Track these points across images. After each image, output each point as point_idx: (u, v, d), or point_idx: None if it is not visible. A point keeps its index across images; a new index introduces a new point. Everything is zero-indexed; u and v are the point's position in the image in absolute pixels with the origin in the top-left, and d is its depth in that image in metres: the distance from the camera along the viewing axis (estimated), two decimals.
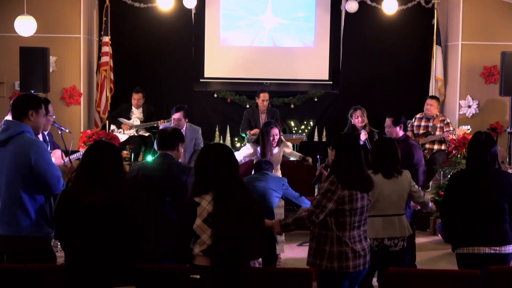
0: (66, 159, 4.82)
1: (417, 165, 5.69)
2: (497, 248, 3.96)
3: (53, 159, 5.62)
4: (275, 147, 6.31)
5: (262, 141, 6.24)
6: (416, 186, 4.55)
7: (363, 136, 7.14)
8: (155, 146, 7.23)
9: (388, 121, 5.94)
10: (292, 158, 6.95)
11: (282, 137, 6.55)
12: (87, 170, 3.22)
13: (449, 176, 7.86)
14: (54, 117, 4.94)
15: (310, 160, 6.59)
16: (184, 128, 7.12)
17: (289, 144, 6.59)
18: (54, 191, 3.91)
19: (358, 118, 7.31)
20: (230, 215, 3.19)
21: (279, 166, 6.44)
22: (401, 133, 5.89)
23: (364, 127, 7.27)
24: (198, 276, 3.21)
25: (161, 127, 8.58)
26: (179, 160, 4.37)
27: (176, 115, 7.02)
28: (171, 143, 4.24)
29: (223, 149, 3.36)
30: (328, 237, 3.66)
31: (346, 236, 3.65)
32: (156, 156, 4.35)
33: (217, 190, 3.23)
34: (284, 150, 6.50)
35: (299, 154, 6.66)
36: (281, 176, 6.24)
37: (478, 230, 3.97)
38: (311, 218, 3.66)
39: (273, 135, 6.26)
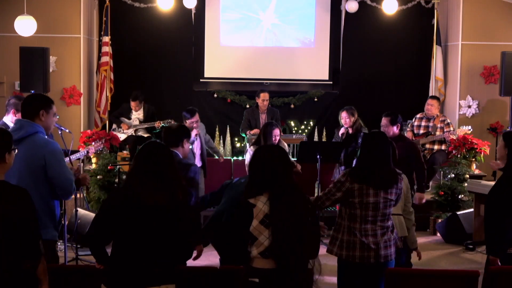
0: (66, 159, 4.81)
1: (416, 162, 5.72)
2: None
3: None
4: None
5: (264, 142, 6.23)
6: (411, 201, 4.58)
7: (342, 130, 7.30)
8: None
9: (384, 120, 5.95)
10: None
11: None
12: (146, 170, 3.20)
13: (449, 176, 7.86)
14: (57, 117, 4.94)
15: (299, 167, 6.53)
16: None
17: (286, 145, 6.56)
18: (65, 195, 3.91)
19: (342, 119, 7.30)
20: (287, 215, 3.20)
21: None
22: (397, 132, 5.90)
23: (352, 127, 7.21)
24: (257, 280, 3.21)
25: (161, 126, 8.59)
26: (187, 156, 4.37)
27: (195, 118, 6.96)
28: (175, 140, 4.25)
29: (278, 150, 3.39)
30: (341, 226, 3.85)
31: (357, 228, 3.77)
32: None
33: (272, 190, 3.23)
34: None
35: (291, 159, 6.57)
36: None
37: None
38: (317, 203, 3.86)
39: (275, 136, 6.26)
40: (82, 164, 7.09)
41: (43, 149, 3.78)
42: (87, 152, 7.09)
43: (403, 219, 4.44)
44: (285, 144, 6.69)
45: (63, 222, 6.06)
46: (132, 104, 8.71)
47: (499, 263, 3.96)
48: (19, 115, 5.36)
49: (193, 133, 7.02)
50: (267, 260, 3.20)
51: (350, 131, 7.28)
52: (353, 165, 4.01)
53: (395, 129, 5.88)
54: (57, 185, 3.81)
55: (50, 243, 3.89)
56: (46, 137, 3.93)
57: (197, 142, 7.08)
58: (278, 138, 6.33)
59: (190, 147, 7.05)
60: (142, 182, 3.16)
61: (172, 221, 3.17)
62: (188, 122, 6.93)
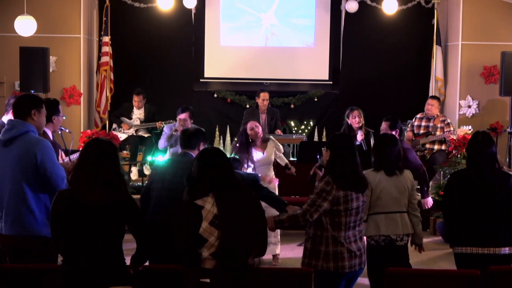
0: (66, 158, 4.82)
1: (415, 168, 5.68)
2: (492, 249, 3.96)
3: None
4: (259, 144, 6.00)
5: (239, 139, 6.05)
6: (416, 195, 4.58)
7: (360, 136, 7.11)
8: (160, 145, 7.28)
9: (384, 125, 5.94)
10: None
11: (272, 137, 6.39)
12: (85, 168, 3.22)
13: (448, 175, 7.87)
14: (64, 117, 4.95)
15: (293, 170, 6.20)
16: None
17: (281, 147, 6.39)
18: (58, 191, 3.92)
19: (355, 119, 7.27)
20: (236, 215, 3.20)
21: (271, 167, 6.27)
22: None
23: (360, 128, 7.24)
24: (208, 280, 3.20)
25: (165, 127, 8.59)
26: None
27: (182, 116, 6.99)
28: (191, 143, 4.26)
29: (215, 152, 3.42)
30: (323, 238, 3.67)
31: (342, 236, 3.66)
32: (178, 155, 4.39)
33: (216, 191, 3.23)
34: (275, 152, 6.27)
35: (286, 160, 6.32)
36: (274, 176, 6.14)
37: (474, 230, 3.97)
38: (305, 217, 3.67)
39: (252, 127, 5.92)
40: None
41: (34, 147, 3.81)
42: None
43: (407, 216, 4.41)
44: (281, 148, 6.42)
45: None
46: (136, 99, 8.70)
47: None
48: None
49: (175, 128, 7.02)
50: (218, 261, 3.20)
51: (360, 132, 7.16)
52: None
53: (394, 134, 5.84)
54: (48, 182, 3.84)
55: (49, 239, 3.88)
56: (37, 136, 3.95)
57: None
58: (257, 129, 5.94)
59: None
60: (81, 181, 3.17)
61: (116, 221, 3.17)
62: (177, 118, 7.03)
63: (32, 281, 3.53)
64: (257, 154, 5.97)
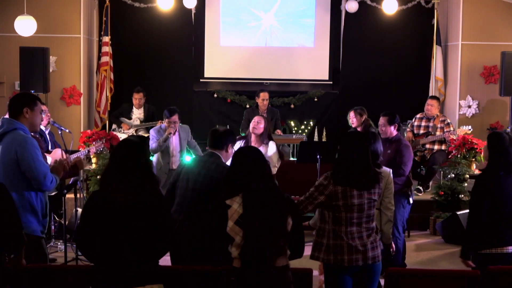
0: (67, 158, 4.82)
1: (403, 164, 5.67)
2: None
3: (49, 158, 5.63)
4: (255, 140, 6.19)
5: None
6: (392, 197, 4.58)
7: None
8: (153, 150, 7.26)
9: (382, 120, 5.93)
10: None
11: (272, 137, 6.46)
12: (116, 168, 3.21)
13: (449, 176, 7.87)
14: (43, 115, 4.93)
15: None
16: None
17: (274, 147, 6.44)
18: (41, 187, 3.93)
19: (350, 119, 7.40)
20: (261, 216, 3.21)
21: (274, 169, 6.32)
22: (395, 132, 5.88)
23: (360, 126, 7.28)
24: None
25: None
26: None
27: (174, 118, 6.99)
28: (219, 143, 4.26)
29: (251, 151, 3.45)
30: (325, 231, 3.73)
31: (342, 231, 3.68)
32: (205, 153, 4.39)
33: (245, 191, 3.24)
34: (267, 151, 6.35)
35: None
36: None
37: (504, 230, 3.98)
38: (299, 207, 3.72)
39: (255, 122, 6.23)
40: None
41: (16, 143, 3.84)
42: (88, 151, 7.10)
43: (377, 212, 4.39)
44: (273, 146, 6.49)
45: (62, 222, 6.07)
46: (136, 96, 8.70)
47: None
48: None
49: (168, 131, 7.02)
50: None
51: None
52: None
53: (392, 129, 5.86)
54: (30, 178, 3.86)
55: (35, 238, 3.89)
56: (25, 133, 3.95)
57: (174, 141, 7.04)
58: (260, 126, 6.24)
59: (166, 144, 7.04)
60: (113, 182, 3.18)
61: (147, 220, 3.16)
62: (166, 121, 6.97)
63: (32, 281, 3.53)
64: None
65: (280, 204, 3.32)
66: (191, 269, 3.62)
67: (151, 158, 7.07)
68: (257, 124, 6.35)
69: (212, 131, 4.37)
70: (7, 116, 5.66)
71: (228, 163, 3.83)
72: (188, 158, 6.74)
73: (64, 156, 4.84)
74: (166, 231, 3.24)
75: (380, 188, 3.83)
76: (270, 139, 6.48)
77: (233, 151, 4.27)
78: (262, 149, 6.12)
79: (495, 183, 4.00)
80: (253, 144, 6.15)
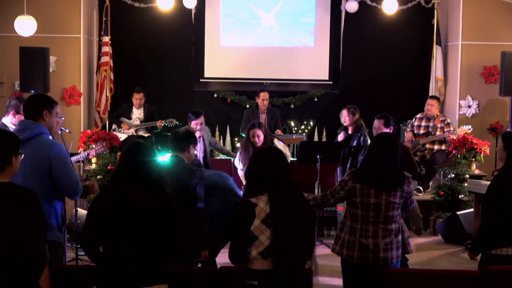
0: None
1: (414, 168, 5.69)
2: None
3: None
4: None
5: (249, 143, 6.19)
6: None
7: (340, 137, 7.35)
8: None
9: (377, 122, 5.95)
10: None
11: (277, 143, 6.44)
12: (131, 169, 3.22)
13: (449, 176, 7.87)
14: (63, 118, 4.92)
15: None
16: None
17: (281, 146, 6.44)
18: (72, 195, 3.90)
19: (342, 118, 7.44)
20: (287, 215, 3.22)
21: None
22: None
23: (352, 126, 7.32)
24: (255, 283, 3.21)
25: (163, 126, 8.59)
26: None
27: (199, 120, 7.01)
28: (181, 145, 4.26)
29: (275, 152, 3.47)
30: (345, 226, 3.87)
31: (358, 228, 3.78)
32: (169, 158, 4.32)
33: (272, 190, 3.26)
34: None
35: None
36: None
37: None
38: (323, 199, 3.93)
39: (256, 136, 6.20)
40: (82, 164, 7.09)
41: (48, 151, 3.77)
42: (88, 154, 7.10)
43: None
44: (281, 145, 6.54)
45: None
46: (136, 96, 8.69)
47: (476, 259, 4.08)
48: (18, 117, 5.35)
49: (196, 135, 7.04)
50: (267, 261, 3.20)
51: (350, 130, 7.32)
52: (348, 166, 4.06)
53: (387, 132, 5.85)
54: (63, 186, 3.80)
55: (55, 244, 3.86)
56: (50, 137, 3.92)
57: (200, 145, 7.09)
58: (261, 138, 6.24)
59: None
60: (127, 181, 3.18)
61: (159, 220, 3.17)
62: (192, 124, 7.00)
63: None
64: None
65: (305, 205, 3.35)
66: (199, 270, 3.61)
67: (162, 154, 7.13)
68: (258, 138, 6.32)
69: (173, 134, 4.37)
70: (6, 118, 5.67)
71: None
72: (160, 158, 6.72)
73: None
74: (174, 232, 3.26)
75: (404, 192, 3.84)
76: (271, 142, 6.46)
77: (194, 152, 4.34)
78: None
79: None
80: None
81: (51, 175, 3.77)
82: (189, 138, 4.34)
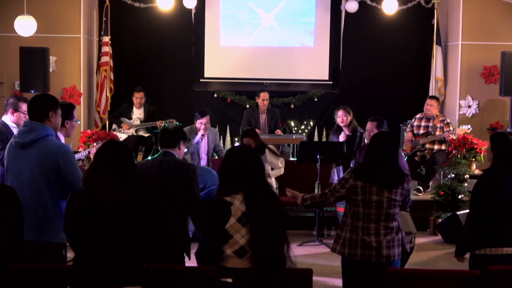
0: None
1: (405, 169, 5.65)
2: None
3: None
4: None
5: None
6: None
7: (341, 137, 7.30)
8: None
9: (370, 125, 5.93)
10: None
11: (268, 152, 6.40)
12: (103, 168, 3.20)
13: (449, 176, 7.87)
14: (78, 122, 4.90)
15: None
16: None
17: (277, 167, 6.42)
18: None
19: (339, 118, 7.43)
20: (264, 214, 3.22)
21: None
22: None
23: (348, 126, 7.32)
24: (230, 280, 3.20)
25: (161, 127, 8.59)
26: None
27: (204, 119, 7.06)
28: (171, 141, 4.23)
29: (249, 151, 3.46)
30: (345, 224, 3.85)
31: (359, 226, 3.77)
32: (157, 154, 4.32)
33: (247, 189, 3.25)
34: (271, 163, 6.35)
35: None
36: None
37: (506, 231, 3.96)
38: (322, 198, 3.92)
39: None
40: (82, 164, 7.09)
41: (55, 153, 3.75)
42: (88, 152, 7.10)
43: (407, 216, 4.44)
44: (271, 156, 6.48)
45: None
46: (137, 96, 8.70)
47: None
48: (17, 115, 5.34)
49: (199, 133, 7.08)
50: (242, 260, 3.20)
51: (347, 131, 7.31)
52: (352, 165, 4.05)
53: (386, 130, 5.82)
54: (70, 188, 3.75)
55: (61, 246, 3.86)
56: (55, 139, 3.91)
57: (204, 144, 7.10)
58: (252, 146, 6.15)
59: (196, 147, 7.08)
60: (99, 181, 3.16)
61: (133, 220, 3.16)
62: (197, 122, 7.09)
63: (34, 281, 3.53)
64: None
65: (279, 205, 3.34)
66: (173, 269, 3.59)
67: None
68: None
69: (163, 130, 4.35)
70: (5, 117, 5.67)
71: (199, 160, 3.81)
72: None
73: None
74: (154, 232, 3.25)
75: (404, 190, 3.86)
76: (262, 152, 6.37)
77: (184, 149, 4.32)
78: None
79: (499, 183, 3.98)
80: None
81: (59, 176, 3.76)
82: (179, 134, 4.31)
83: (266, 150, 6.41)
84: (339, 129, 7.49)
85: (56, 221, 3.77)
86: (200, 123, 7.03)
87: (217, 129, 7.58)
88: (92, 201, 3.13)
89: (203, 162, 7.07)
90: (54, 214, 3.75)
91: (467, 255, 4.12)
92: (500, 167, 4.04)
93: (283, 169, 6.58)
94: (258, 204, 3.24)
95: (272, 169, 6.57)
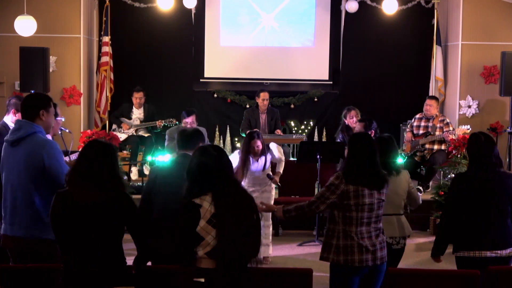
0: (66, 158, 4.81)
1: None
2: (499, 251, 3.93)
3: None
4: (257, 159, 6.08)
5: (242, 150, 6.14)
6: (412, 185, 4.56)
7: None
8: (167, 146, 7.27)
9: (359, 126, 5.88)
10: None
11: (271, 146, 6.38)
12: (82, 168, 3.22)
13: (449, 176, 7.88)
14: (63, 119, 4.90)
15: (277, 178, 6.24)
16: None
17: (276, 149, 6.37)
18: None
19: (353, 118, 7.40)
20: (233, 214, 3.20)
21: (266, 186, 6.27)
22: None
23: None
24: (202, 280, 3.20)
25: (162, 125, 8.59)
26: None
27: (189, 119, 7.03)
28: (190, 143, 4.17)
29: (215, 150, 3.37)
30: (335, 231, 3.71)
31: (353, 231, 3.68)
32: (176, 157, 4.27)
33: (215, 190, 3.22)
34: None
35: (279, 169, 6.39)
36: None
37: (481, 234, 3.94)
38: (311, 207, 3.73)
39: (256, 147, 6.00)
40: None
41: (41, 149, 3.78)
42: None
43: (404, 218, 4.40)
44: (276, 147, 6.44)
45: None
46: (136, 95, 8.70)
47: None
48: (19, 115, 5.36)
49: None
50: (213, 260, 3.19)
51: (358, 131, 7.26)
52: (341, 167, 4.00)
53: (362, 132, 5.81)
54: (58, 184, 3.79)
55: (50, 242, 3.87)
56: (44, 136, 3.93)
57: None
58: (259, 148, 6.03)
59: None
60: (75, 181, 3.18)
61: (114, 220, 3.16)
62: (183, 122, 7.03)
63: (32, 281, 3.53)
64: (253, 165, 6.07)
65: (250, 202, 3.32)
66: (159, 269, 3.59)
67: (162, 154, 7.10)
68: (258, 148, 6.06)
69: (181, 132, 4.29)
70: (7, 117, 5.67)
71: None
72: (161, 158, 6.67)
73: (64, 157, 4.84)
74: (134, 231, 3.26)
75: (387, 189, 3.84)
76: (268, 147, 6.34)
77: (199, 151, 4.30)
78: (263, 158, 6.12)
79: (473, 184, 3.98)
80: (254, 158, 6.09)
81: (45, 173, 3.78)
82: (198, 136, 4.26)
83: (270, 144, 6.38)
84: (349, 129, 7.47)
85: (46, 218, 3.77)
86: (186, 122, 7.01)
87: (205, 128, 7.50)
88: (72, 201, 3.15)
89: None
90: (43, 210, 3.76)
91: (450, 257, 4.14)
92: (474, 168, 4.04)
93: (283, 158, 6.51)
94: (228, 204, 3.20)
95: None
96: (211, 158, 3.29)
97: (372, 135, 5.82)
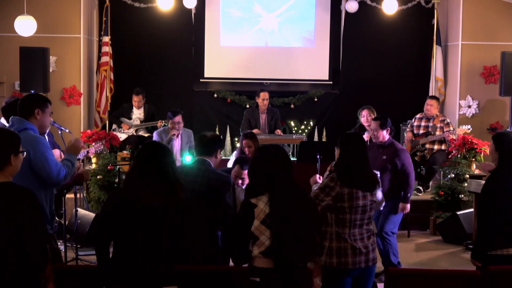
0: (57, 151, 4.84)
1: (405, 170, 5.61)
2: None
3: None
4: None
5: (238, 150, 6.14)
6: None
7: (366, 137, 7.14)
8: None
9: (374, 124, 5.87)
10: None
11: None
12: (146, 169, 3.20)
13: (449, 176, 7.88)
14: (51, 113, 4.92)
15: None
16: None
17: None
18: (55, 185, 4.02)
19: (363, 118, 7.42)
20: (287, 215, 3.21)
21: None
22: (387, 136, 5.79)
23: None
24: (257, 279, 3.22)
25: (161, 126, 8.59)
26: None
27: (176, 119, 7.05)
28: (209, 149, 4.14)
29: (276, 150, 3.41)
30: (327, 233, 3.71)
31: (346, 233, 3.68)
32: (193, 161, 4.23)
33: (272, 190, 3.24)
34: None
35: None
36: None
37: None
38: None
39: (245, 146, 5.88)
40: (82, 164, 7.11)
41: (27, 143, 3.83)
42: (87, 152, 7.11)
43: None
44: None
45: (62, 222, 6.07)
46: (135, 99, 8.71)
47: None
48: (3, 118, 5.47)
49: (172, 133, 7.07)
50: (268, 260, 3.21)
51: (366, 134, 7.24)
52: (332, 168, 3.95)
53: (384, 133, 5.77)
54: (44, 178, 3.91)
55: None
56: (35, 134, 3.99)
57: (177, 144, 7.08)
58: (251, 149, 5.84)
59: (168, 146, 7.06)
60: (144, 182, 3.17)
61: (172, 222, 3.17)
62: (170, 122, 7.07)
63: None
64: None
65: (306, 203, 3.32)
66: (206, 269, 3.61)
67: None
68: (250, 148, 5.89)
69: (200, 137, 4.23)
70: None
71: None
72: (188, 158, 6.72)
73: (62, 157, 4.85)
74: (182, 234, 3.26)
75: (379, 190, 3.85)
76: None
77: (221, 157, 4.25)
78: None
79: (506, 183, 3.96)
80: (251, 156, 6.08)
81: (32, 167, 3.87)
82: (217, 142, 4.23)
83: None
84: (362, 129, 7.47)
85: None
86: (172, 123, 7.01)
87: (191, 130, 7.52)
88: (133, 202, 3.13)
89: (177, 163, 7.02)
90: None
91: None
92: (506, 167, 4.03)
93: None
94: (283, 206, 3.22)
95: None
96: (268, 158, 3.33)
97: (388, 132, 5.80)
